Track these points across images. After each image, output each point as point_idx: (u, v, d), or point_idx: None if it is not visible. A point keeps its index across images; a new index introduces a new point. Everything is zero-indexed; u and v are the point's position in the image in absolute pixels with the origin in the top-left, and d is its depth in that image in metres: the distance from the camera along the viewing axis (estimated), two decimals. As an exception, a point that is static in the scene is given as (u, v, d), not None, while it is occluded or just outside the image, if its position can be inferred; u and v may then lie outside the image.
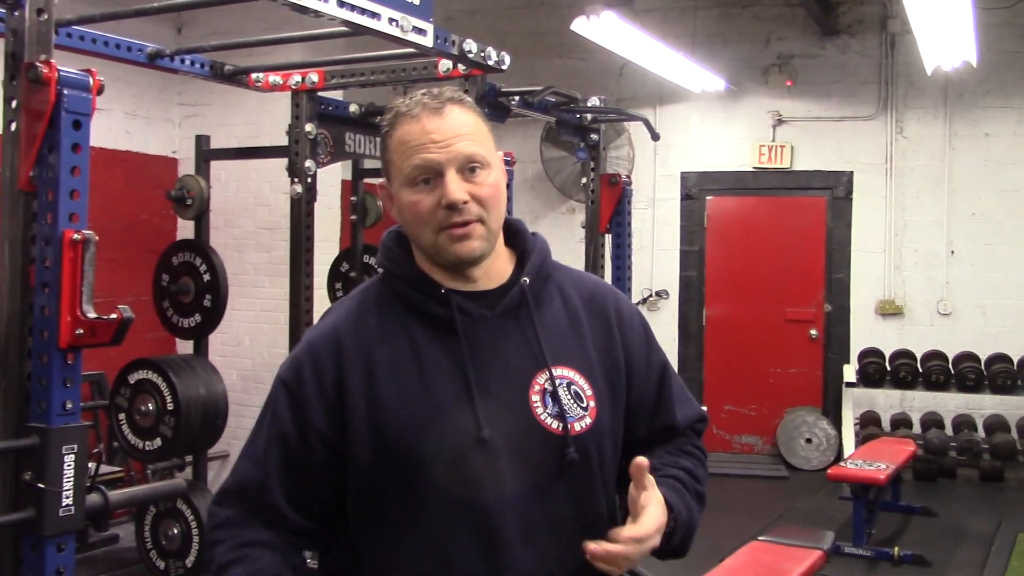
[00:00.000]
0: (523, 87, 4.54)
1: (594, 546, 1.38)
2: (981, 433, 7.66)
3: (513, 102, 4.35)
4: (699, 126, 8.43)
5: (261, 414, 1.55)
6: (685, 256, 8.52)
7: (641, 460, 1.44)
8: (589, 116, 5.01)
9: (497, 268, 1.56)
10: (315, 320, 4.69)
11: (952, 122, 7.91)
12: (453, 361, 1.48)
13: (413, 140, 1.47)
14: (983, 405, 7.73)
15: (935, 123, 7.95)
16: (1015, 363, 7.45)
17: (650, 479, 1.46)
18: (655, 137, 5.15)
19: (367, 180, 5.95)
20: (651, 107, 8.28)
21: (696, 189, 8.48)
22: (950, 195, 7.94)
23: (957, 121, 7.90)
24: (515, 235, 1.62)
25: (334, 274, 6.02)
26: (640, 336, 1.64)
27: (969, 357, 7.58)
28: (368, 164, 5.81)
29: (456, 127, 1.48)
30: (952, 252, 7.96)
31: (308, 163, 4.53)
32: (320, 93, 4.53)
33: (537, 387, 1.50)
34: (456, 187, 1.46)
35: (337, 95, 5.23)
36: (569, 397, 1.51)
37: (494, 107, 4.30)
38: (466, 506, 1.44)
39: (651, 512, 1.44)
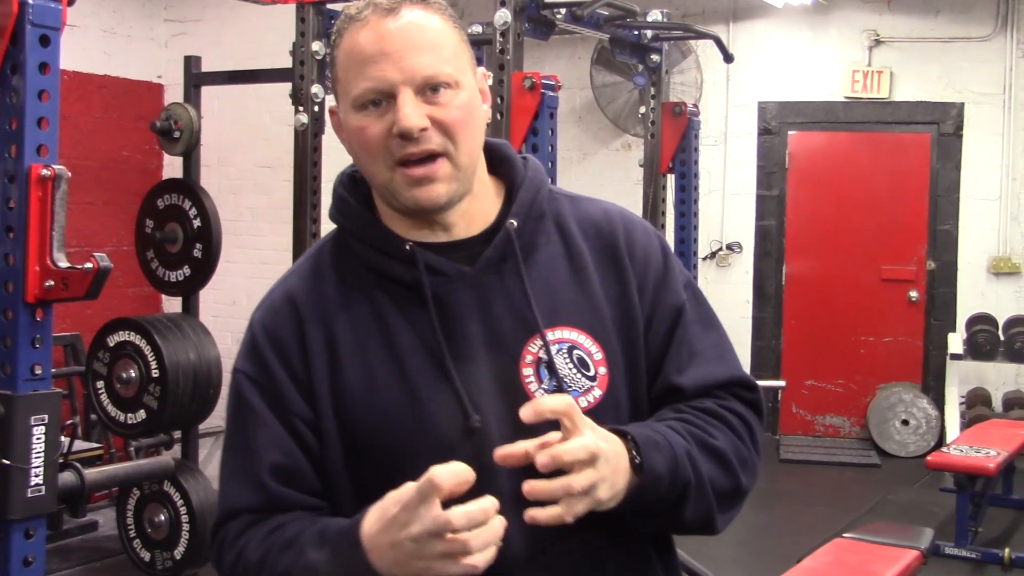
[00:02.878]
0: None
1: (528, 487, 1.27)
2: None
3: (559, 15, 4.31)
4: (781, 47, 8.31)
5: (232, 421, 1.49)
6: (762, 202, 8.45)
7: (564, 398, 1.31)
8: (649, 33, 4.96)
9: (480, 209, 1.47)
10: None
11: (1088, 43, 7.76)
12: (425, 335, 1.40)
13: (362, 52, 1.35)
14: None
15: (1066, 44, 7.80)
16: None
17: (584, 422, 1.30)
18: (728, 59, 5.08)
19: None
20: (724, 24, 8.18)
21: (776, 123, 8.39)
22: (1083, 131, 7.81)
23: (1093, 41, 7.75)
24: (501, 162, 1.51)
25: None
26: (658, 272, 1.51)
27: (1099, 325, 7.49)
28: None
29: (413, 35, 1.36)
30: (1083, 199, 7.84)
31: (315, 88, 4.53)
32: (329, 7, 4.51)
33: (530, 357, 1.42)
34: (411, 111, 1.34)
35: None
36: (571, 366, 1.42)
37: (536, 22, 4.25)
38: (456, 502, 1.37)
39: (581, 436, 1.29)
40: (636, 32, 4.97)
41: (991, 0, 7.91)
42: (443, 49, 1.38)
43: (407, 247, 1.41)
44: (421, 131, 1.35)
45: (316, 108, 4.56)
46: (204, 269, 5.00)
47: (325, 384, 1.41)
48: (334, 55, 1.42)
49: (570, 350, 1.42)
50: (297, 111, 4.51)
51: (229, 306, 6.14)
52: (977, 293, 8.04)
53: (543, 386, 1.40)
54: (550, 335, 1.42)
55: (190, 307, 5.13)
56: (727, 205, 8.44)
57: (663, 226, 5.25)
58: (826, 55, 8.22)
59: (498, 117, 4.05)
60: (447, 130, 1.36)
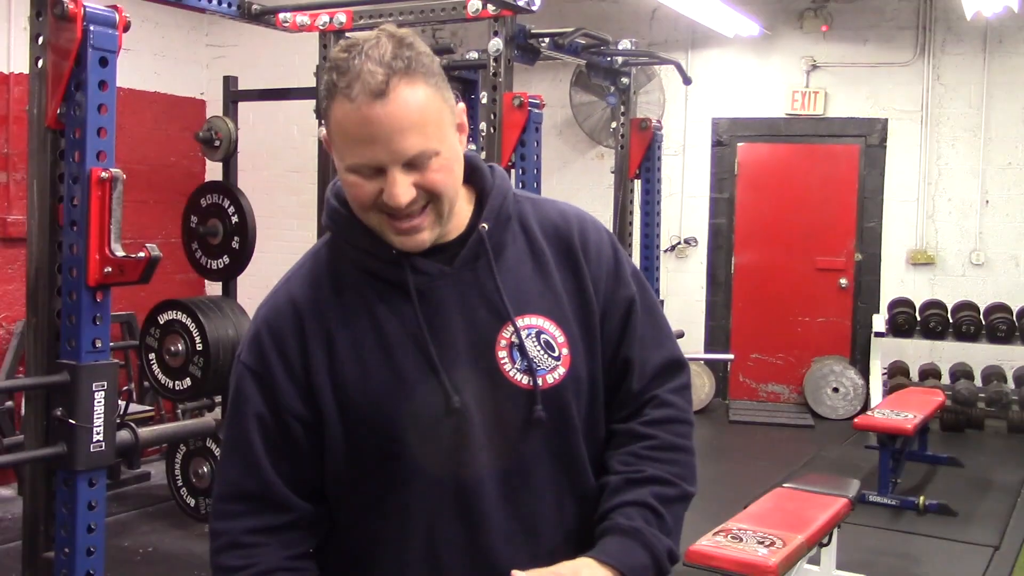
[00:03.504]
0: (553, 28, 4.46)
1: None
2: (1011, 385, 7.60)
3: (543, 44, 4.29)
4: (731, 71, 8.28)
5: (231, 409, 1.45)
6: (715, 203, 8.43)
7: None
8: (620, 59, 4.94)
9: (456, 215, 1.43)
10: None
11: (991, 69, 7.72)
12: (411, 328, 1.38)
13: (355, 132, 1.28)
14: (1014, 357, 7.64)
15: (973, 70, 7.77)
16: (1048, 315, 7.35)
17: None
18: (687, 81, 5.08)
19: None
20: (683, 51, 8.15)
21: (727, 136, 8.37)
22: (986, 144, 7.78)
23: (996, 68, 7.72)
24: (472, 171, 1.46)
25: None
26: (609, 268, 1.49)
27: (1001, 308, 7.49)
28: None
29: (399, 119, 1.27)
30: (987, 202, 7.82)
31: (335, 105, 4.50)
32: (348, 34, 4.48)
33: (503, 341, 1.40)
34: (401, 190, 1.30)
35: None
36: (539, 348, 1.40)
37: (524, 49, 4.24)
38: (444, 481, 1.38)
39: None
40: (609, 59, 4.95)
41: (911, 32, 7.89)
42: (427, 126, 1.30)
43: (392, 251, 1.38)
44: (405, 207, 1.32)
45: (336, 121, 4.53)
46: (241, 258, 4.98)
47: (324, 375, 1.38)
48: (326, 110, 1.33)
49: (537, 334, 1.41)
50: (320, 124, 4.48)
51: (263, 290, 5.96)
52: (897, 280, 8.03)
53: (516, 366, 1.39)
54: (520, 322, 1.40)
55: (229, 291, 5.11)
56: (685, 206, 8.43)
57: (631, 223, 5.24)
58: (770, 78, 8.20)
59: (492, 131, 4.04)
60: (431, 191, 1.33)
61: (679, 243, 8.38)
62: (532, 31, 4.24)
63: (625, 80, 5.10)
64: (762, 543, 3.33)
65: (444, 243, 1.41)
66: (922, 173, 7.96)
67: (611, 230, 1.47)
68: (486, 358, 1.39)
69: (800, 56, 8.11)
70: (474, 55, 5.19)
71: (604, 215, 8.62)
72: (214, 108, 5.96)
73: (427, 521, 1.39)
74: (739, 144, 8.37)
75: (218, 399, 5.26)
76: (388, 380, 1.37)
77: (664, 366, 1.51)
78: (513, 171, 4.05)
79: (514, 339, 1.40)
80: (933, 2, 7.79)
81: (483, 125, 5.52)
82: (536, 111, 4.03)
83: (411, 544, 1.40)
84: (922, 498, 5.49)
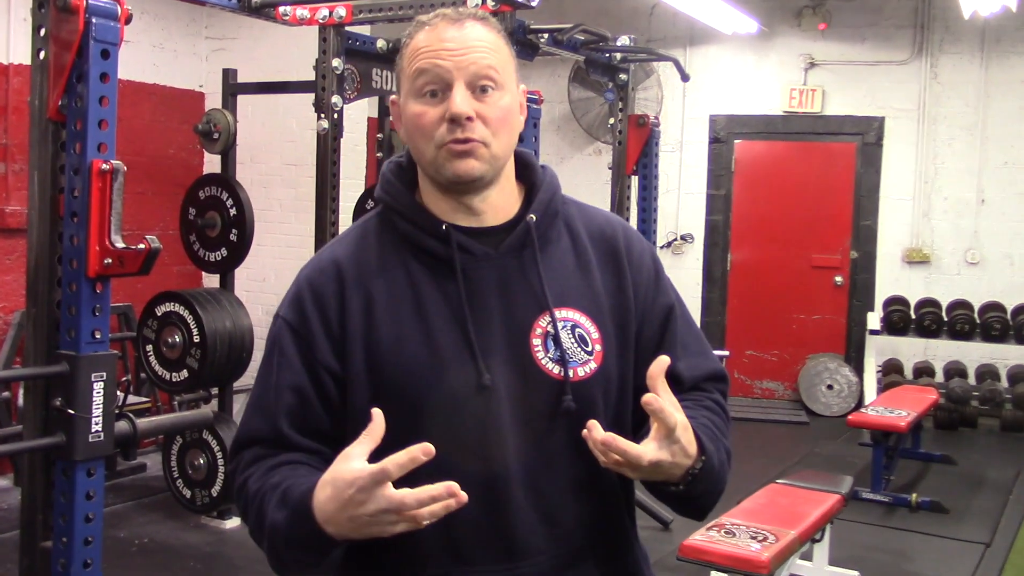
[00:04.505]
0: (553, 24, 4.47)
1: (601, 435, 1.26)
2: (1004, 383, 7.63)
3: (542, 39, 4.30)
4: (729, 69, 8.30)
5: (266, 359, 1.46)
6: (712, 200, 8.46)
7: (662, 359, 1.32)
8: (618, 56, 4.95)
9: (504, 203, 1.47)
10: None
11: (988, 68, 7.75)
12: (452, 304, 1.40)
13: (428, 48, 1.37)
14: (1008, 355, 7.68)
15: (970, 69, 7.80)
16: (1042, 314, 7.38)
17: (670, 395, 1.31)
18: (685, 78, 5.09)
19: (393, 117, 5.93)
20: (681, 48, 8.17)
21: (724, 132, 8.39)
22: (983, 143, 7.81)
23: (993, 67, 7.74)
24: (525, 168, 1.51)
25: (359, 211, 6.01)
26: (650, 276, 1.53)
27: (995, 307, 7.52)
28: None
29: (472, 40, 1.37)
30: (983, 201, 7.85)
31: (335, 99, 4.50)
32: (348, 28, 4.49)
33: (539, 330, 1.42)
34: (462, 100, 1.35)
35: (364, 30, 5.18)
36: (572, 340, 1.42)
37: (522, 44, 4.25)
38: (469, 454, 1.37)
39: (677, 419, 1.29)
40: (607, 55, 4.96)
41: (909, 31, 7.91)
42: (495, 55, 1.39)
43: (443, 227, 1.42)
44: (468, 119, 1.35)
45: (335, 115, 4.54)
46: (239, 251, 4.98)
47: (359, 339, 1.40)
48: (401, 53, 1.43)
49: (572, 328, 1.43)
50: (319, 118, 4.49)
51: (260, 283, 6.12)
52: (892, 279, 8.06)
53: (548, 355, 1.41)
54: (557, 313, 1.43)
55: (226, 283, 5.12)
56: (682, 202, 8.45)
57: (627, 219, 5.26)
58: (768, 75, 8.22)
59: (490, 125, 4.05)
60: (488, 123, 1.37)
61: (676, 239, 8.40)
62: (531, 27, 4.25)
63: (623, 76, 5.11)
64: (755, 538, 3.36)
65: (491, 227, 1.44)
66: (918, 171, 7.99)
67: (307, 263, 1.51)
68: (520, 344, 1.41)
69: (798, 54, 8.13)
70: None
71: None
72: (213, 101, 5.96)
73: None
74: (736, 141, 8.39)
75: (215, 391, 5.28)
76: (422, 350, 1.39)
77: (712, 374, 1.55)
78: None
79: (550, 329, 1.41)
80: (931, 1, 7.82)
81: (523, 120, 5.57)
82: (535, 107, 4.04)
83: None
84: (915, 495, 5.52)
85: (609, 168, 5.36)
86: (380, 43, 4.76)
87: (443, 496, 1.19)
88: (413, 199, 1.46)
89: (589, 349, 1.43)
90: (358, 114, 6.08)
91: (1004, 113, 7.74)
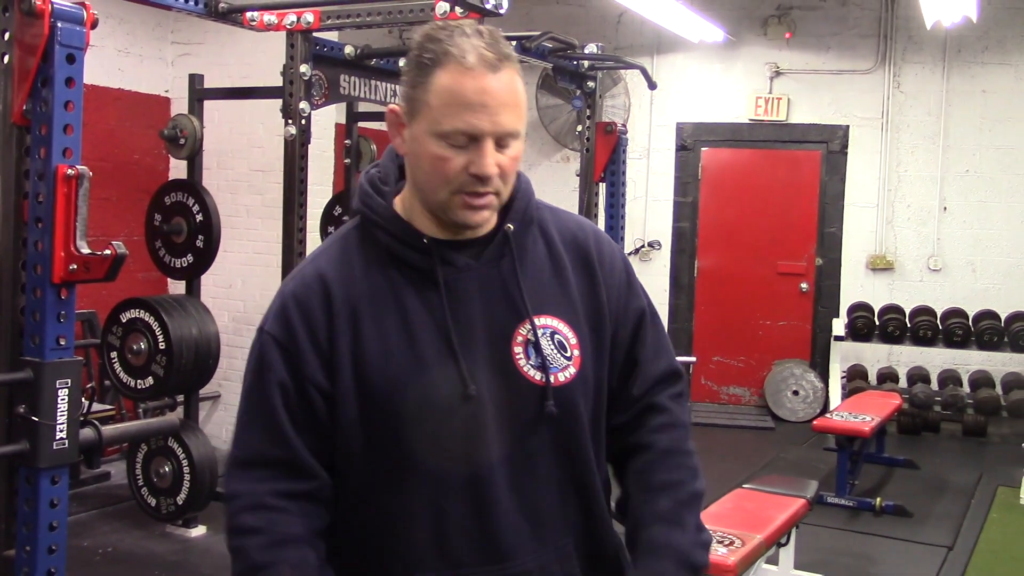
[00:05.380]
0: (521, 32, 4.49)
1: None
2: (966, 388, 7.75)
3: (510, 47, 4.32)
4: (696, 77, 8.38)
5: (253, 377, 1.46)
6: (678, 207, 8.52)
7: None
8: (586, 63, 4.98)
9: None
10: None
11: (950, 78, 7.88)
12: (435, 315, 1.43)
13: (465, 98, 1.35)
14: (969, 361, 7.80)
15: (933, 78, 7.92)
16: (1002, 320, 7.51)
17: None
18: (652, 86, 5.13)
19: (361, 124, 5.92)
20: (648, 56, 8.23)
21: (691, 140, 8.46)
22: (945, 151, 7.93)
23: (955, 77, 7.88)
24: None
25: (327, 217, 6.01)
26: (621, 279, 1.58)
27: (957, 313, 7.63)
28: (363, 107, 5.77)
29: (507, 95, 1.37)
30: (945, 208, 7.98)
31: (303, 105, 4.50)
32: (316, 34, 4.49)
33: (520, 338, 1.46)
34: (491, 160, 1.37)
35: (333, 36, 5.18)
36: (552, 347, 1.47)
37: (491, 51, 4.27)
38: (456, 463, 1.42)
39: None
40: (575, 62, 4.99)
41: (873, 40, 8.03)
42: (521, 108, 1.40)
43: (424, 240, 1.44)
44: (492, 177, 1.39)
45: (303, 121, 4.54)
46: (205, 257, 4.96)
47: (347, 352, 1.42)
48: (424, 79, 1.38)
49: (552, 335, 1.47)
50: (287, 124, 4.48)
51: (226, 289, 6.09)
52: (857, 285, 8.16)
53: (530, 362, 1.45)
54: (537, 321, 1.47)
55: (193, 289, 5.09)
56: (649, 209, 8.50)
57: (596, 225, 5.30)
58: (734, 83, 8.30)
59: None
60: (504, 174, 1.41)
61: (643, 246, 8.45)
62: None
63: (591, 84, 5.14)
64: (721, 542, 3.38)
65: (471, 239, 1.47)
66: (882, 179, 8.10)
67: (289, 277, 1.53)
68: (502, 352, 1.45)
69: (764, 63, 8.21)
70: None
71: (569, 217, 8.68)
72: (178, 106, 5.92)
73: (436, 504, 1.42)
74: (703, 149, 8.46)
75: (180, 398, 5.24)
76: (409, 362, 1.41)
77: (664, 374, 1.60)
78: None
79: (530, 336, 1.46)
80: (894, 11, 7.94)
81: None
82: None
83: (420, 524, 1.43)
84: (879, 499, 5.59)
85: (577, 175, 5.39)
86: (348, 49, 4.76)
87: None
88: (394, 212, 1.47)
89: (568, 355, 1.48)
90: (325, 120, 6.07)
91: (965, 122, 7.87)
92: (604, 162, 5.18)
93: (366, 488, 1.45)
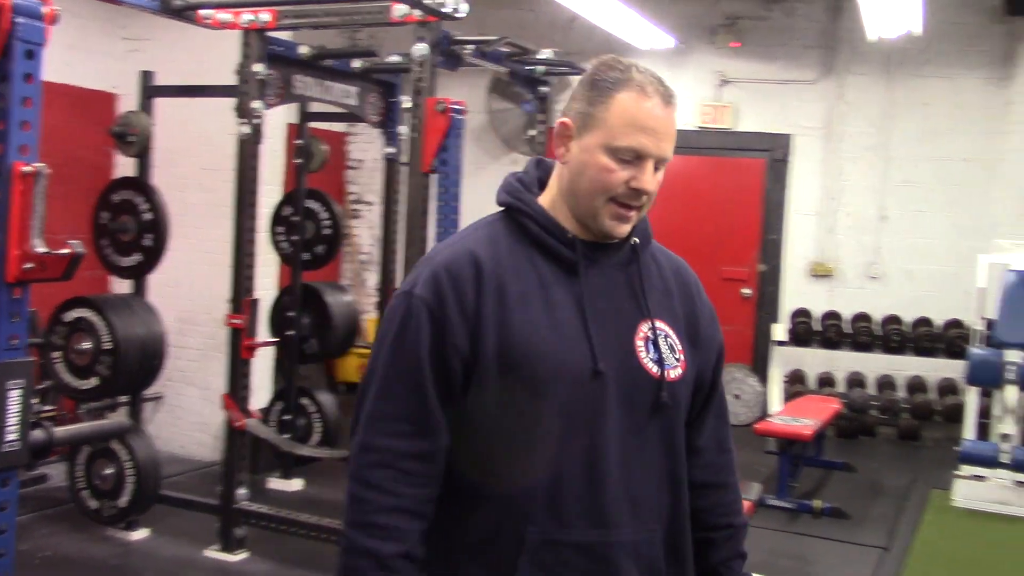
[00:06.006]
0: (472, 36, 4.52)
1: None
2: (902, 393, 7.97)
3: (466, 51, 4.36)
4: (644, 83, 8.46)
5: (396, 335, 1.59)
6: (625, 212, 8.60)
7: None
8: (541, 68, 5.03)
9: None
10: (257, 264, 4.68)
11: (892, 90, 8.09)
12: (573, 299, 1.60)
13: (644, 121, 1.56)
14: (905, 367, 8.01)
15: (875, 90, 8.13)
16: (937, 327, 7.73)
17: None
18: (604, 92, 5.17)
19: (313, 124, 5.91)
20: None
21: (639, 146, 8.54)
22: (885, 162, 8.14)
23: (897, 89, 8.09)
24: None
25: (276, 218, 5.99)
26: (711, 314, 1.80)
27: (895, 320, 7.85)
28: (315, 108, 5.76)
29: (671, 128, 1.60)
30: (884, 217, 8.18)
31: (256, 104, 4.50)
32: (270, 33, 4.48)
33: (641, 334, 1.64)
34: (651, 178, 1.58)
35: (286, 35, 5.16)
36: (667, 347, 1.66)
37: (447, 55, 4.30)
38: (578, 430, 1.57)
39: None
40: (529, 67, 5.04)
41: (817, 51, 8.21)
42: (675, 140, 1.61)
43: (569, 236, 1.63)
44: (648, 193, 1.60)
45: (256, 121, 4.53)
46: (154, 256, 4.92)
47: (492, 320, 1.56)
48: (606, 97, 1.57)
49: (665, 337, 1.67)
50: (240, 123, 4.47)
51: (173, 288, 6.01)
52: (798, 291, 8.32)
53: (649, 356, 1.63)
54: (656, 323, 1.67)
55: (140, 289, 5.04)
56: (597, 213, 8.57)
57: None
58: (682, 91, 8.38)
59: (414, 135, 4.09)
60: (651, 194, 1.61)
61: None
62: (456, 37, 4.31)
63: (545, 89, 5.20)
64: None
65: (603, 243, 1.66)
66: (824, 188, 8.28)
67: (433, 252, 1.70)
68: (626, 343, 1.63)
69: (712, 71, 8.35)
70: (395, 58, 5.23)
71: (517, 220, 8.73)
72: (127, 103, 5.83)
73: (556, 466, 1.57)
74: (651, 154, 8.54)
75: (123, 399, 5.19)
76: (550, 333, 1.57)
77: (728, 437, 1.84)
78: (435, 176, 4.11)
79: (650, 334, 1.65)
80: (839, 23, 8.12)
81: (404, 129, 5.57)
82: (459, 117, 4.09)
83: (537, 483, 1.56)
84: (818, 502, 5.73)
85: (529, 179, 5.41)
86: (303, 49, 4.76)
87: None
88: (540, 208, 1.66)
89: (677, 357, 1.67)
90: (275, 119, 6.03)
91: (905, 133, 8.08)
92: (556, 167, 5.22)
93: (492, 445, 1.59)
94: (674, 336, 1.68)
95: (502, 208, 1.69)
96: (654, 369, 1.63)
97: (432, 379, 1.56)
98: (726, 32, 8.30)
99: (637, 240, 1.70)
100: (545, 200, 1.68)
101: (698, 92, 8.39)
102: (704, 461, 1.77)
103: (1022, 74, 7.72)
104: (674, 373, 1.65)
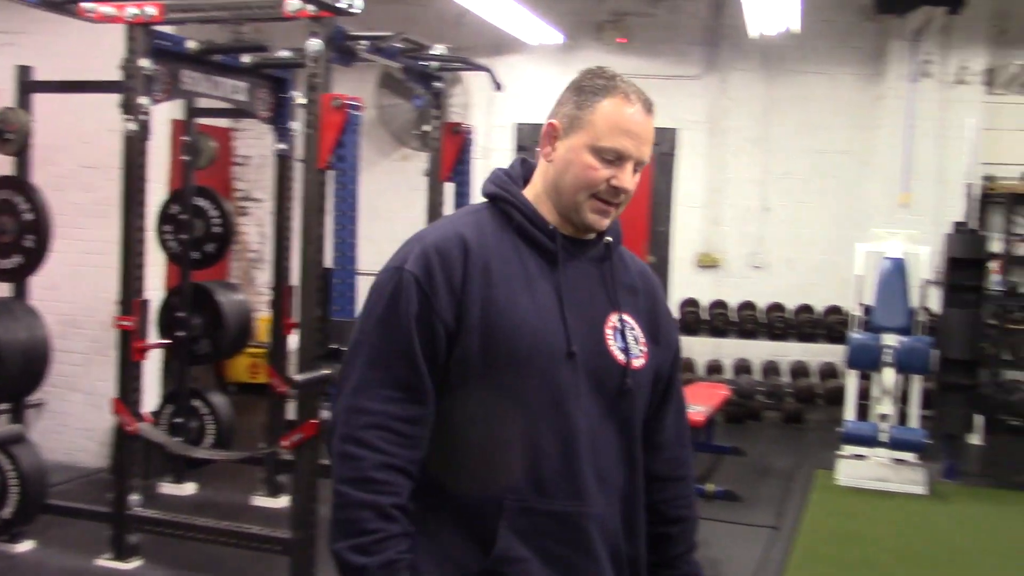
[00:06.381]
0: (362, 32, 4.49)
1: None
2: (786, 378, 8.27)
3: (361, 47, 4.34)
4: (534, 78, 8.56)
5: (387, 308, 1.68)
6: (517, 206, 8.68)
7: None
8: (435, 64, 5.04)
9: None
10: (147, 265, 4.57)
11: (771, 85, 8.39)
12: (552, 286, 1.72)
13: (627, 125, 1.70)
14: (789, 352, 8.33)
15: (756, 86, 8.41)
16: (818, 313, 8.05)
17: None
18: (498, 88, 5.23)
19: (200, 120, 5.79)
20: (488, 57, 8.27)
21: (530, 140, 8.64)
22: (766, 154, 8.43)
23: (776, 84, 8.38)
24: None
25: (163, 216, 5.85)
26: (669, 316, 1.93)
27: (778, 308, 8.14)
28: (202, 103, 5.64)
29: (650, 134, 1.74)
30: (766, 209, 8.47)
31: (143, 100, 4.39)
32: (156, 27, 4.37)
33: (611, 324, 1.76)
34: (629, 178, 1.72)
35: (173, 30, 5.04)
36: (632, 338, 1.78)
37: (341, 51, 4.28)
38: (554, 407, 1.68)
39: None
40: (423, 63, 5.05)
41: (700, 48, 8.44)
42: (652, 145, 1.75)
43: (551, 228, 1.75)
44: (625, 192, 1.72)
45: (143, 117, 4.42)
46: (36, 257, 4.75)
47: (478, 296, 1.67)
48: (592, 102, 1.71)
49: (630, 329, 1.79)
50: (126, 119, 4.36)
51: (53, 291, 5.79)
52: (686, 282, 8.55)
53: (616, 344, 1.75)
54: (624, 316, 1.78)
55: (20, 292, 4.86)
56: (489, 208, 8.62)
57: (443, 225, 5.33)
58: (570, 86, 8.52)
59: (310, 132, 4.05)
60: (629, 191, 1.73)
61: (483, 244, 8.57)
62: (350, 33, 4.28)
63: (439, 84, 5.21)
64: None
65: (579, 239, 1.79)
66: (708, 181, 8.53)
67: (422, 233, 1.79)
68: (597, 331, 1.74)
69: (599, 66, 8.46)
70: (286, 53, 5.17)
71: (409, 216, 8.65)
72: (2, 99, 5.60)
73: (533, 439, 1.67)
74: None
75: (3, 406, 5.00)
76: (531, 313, 1.68)
77: (687, 432, 1.98)
78: (331, 172, 4.08)
79: (618, 325, 1.77)
80: (721, 21, 8.37)
81: (295, 125, 5.51)
82: (355, 113, 4.08)
83: (518, 455, 1.67)
84: (710, 485, 5.90)
85: (425, 175, 5.43)
86: (191, 44, 4.66)
87: None
88: (526, 200, 1.78)
89: (641, 348, 1.79)
90: (159, 115, 5.86)
91: (785, 127, 8.39)
92: (452, 162, 5.25)
93: (474, 416, 1.68)
94: (639, 330, 1.80)
95: (487, 199, 1.81)
96: (620, 357, 1.74)
97: (420, 348, 1.66)
98: (612, 28, 8.45)
99: (610, 239, 1.82)
100: (528, 195, 1.79)
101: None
102: (665, 456, 1.88)
103: (892, 70, 8.10)
104: (638, 362, 1.77)
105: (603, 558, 1.73)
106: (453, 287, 1.67)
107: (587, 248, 1.79)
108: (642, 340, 1.80)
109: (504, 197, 1.78)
